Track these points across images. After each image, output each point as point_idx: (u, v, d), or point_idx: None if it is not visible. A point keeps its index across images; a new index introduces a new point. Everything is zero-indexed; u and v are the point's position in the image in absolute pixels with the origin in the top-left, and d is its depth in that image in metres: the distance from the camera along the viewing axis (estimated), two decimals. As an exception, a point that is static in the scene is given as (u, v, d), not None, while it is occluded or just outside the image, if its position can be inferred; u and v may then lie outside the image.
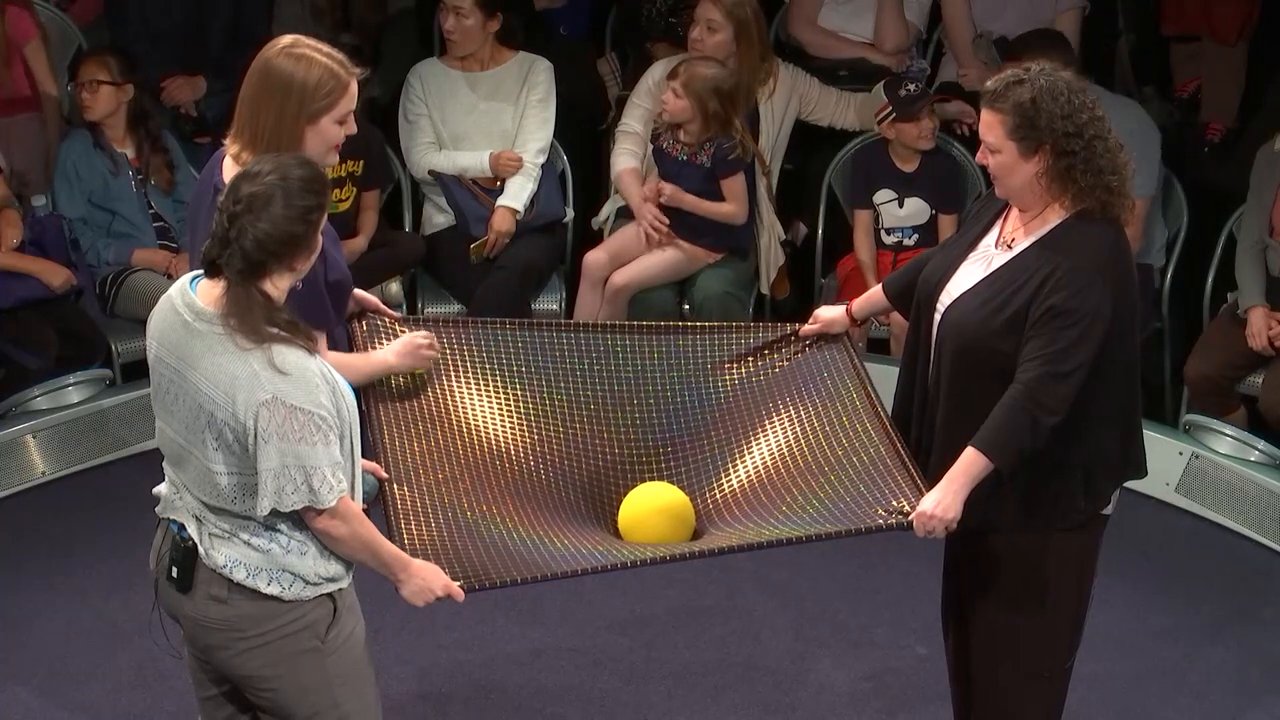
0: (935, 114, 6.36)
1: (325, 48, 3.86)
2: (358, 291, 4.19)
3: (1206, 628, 5.31)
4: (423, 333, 4.13)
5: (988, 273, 3.87)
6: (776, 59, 6.51)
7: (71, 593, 5.34)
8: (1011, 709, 4.09)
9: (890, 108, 6.29)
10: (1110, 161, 3.77)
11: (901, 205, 6.36)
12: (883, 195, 6.37)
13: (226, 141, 3.92)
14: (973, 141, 6.26)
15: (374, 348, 4.12)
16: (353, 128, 3.90)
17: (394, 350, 4.06)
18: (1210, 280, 6.22)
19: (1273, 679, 5.07)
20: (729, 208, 6.23)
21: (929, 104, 6.31)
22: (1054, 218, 3.82)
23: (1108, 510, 3.98)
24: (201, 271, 3.46)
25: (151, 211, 6.28)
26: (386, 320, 4.23)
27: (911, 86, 6.32)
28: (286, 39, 3.86)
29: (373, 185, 6.34)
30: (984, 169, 3.92)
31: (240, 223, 3.34)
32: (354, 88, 3.84)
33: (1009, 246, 3.87)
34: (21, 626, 5.19)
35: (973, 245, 3.97)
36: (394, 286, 6.41)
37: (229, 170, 3.84)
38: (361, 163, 6.23)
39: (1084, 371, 3.71)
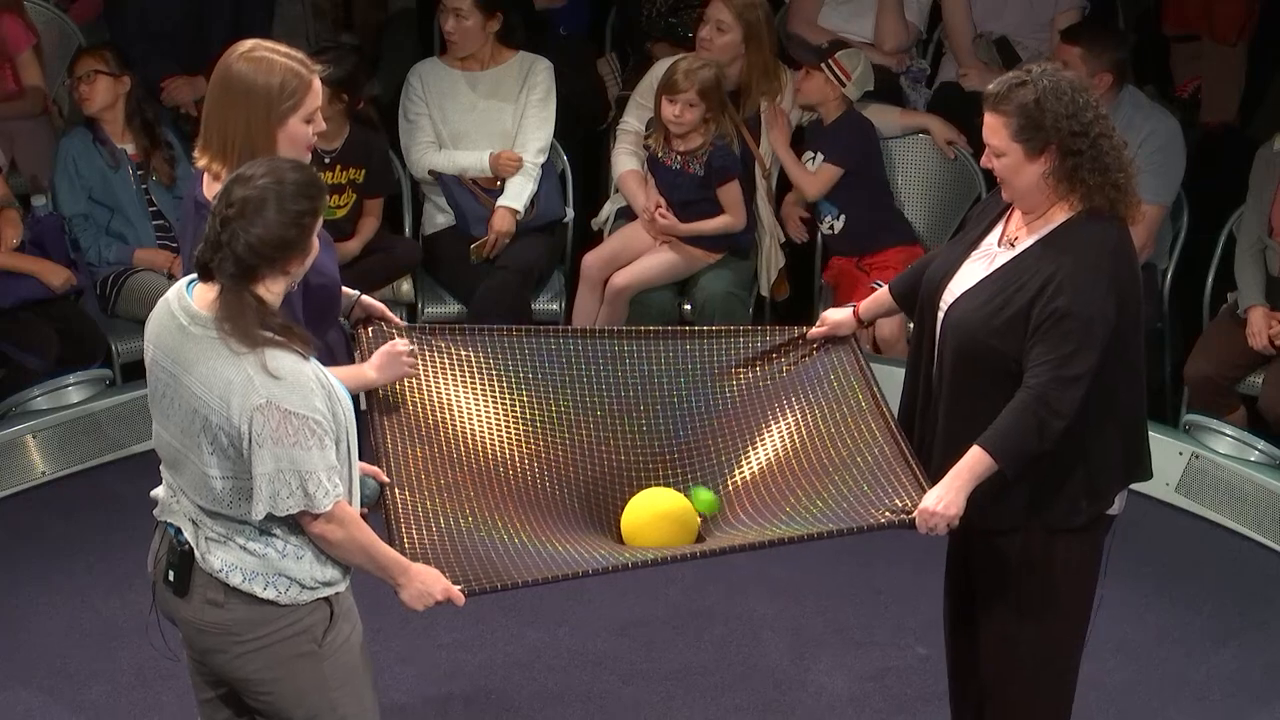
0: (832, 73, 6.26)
1: (284, 48, 3.83)
2: (365, 298, 4.18)
3: (1207, 628, 5.30)
4: (403, 340, 4.07)
5: (989, 271, 3.87)
6: (785, 68, 6.50)
7: (71, 593, 5.34)
8: (1023, 709, 4.09)
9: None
10: (1116, 159, 3.76)
11: (814, 161, 6.35)
12: (807, 155, 6.37)
13: (195, 154, 3.87)
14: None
15: None
16: (321, 125, 3.87)
17: (374, 365, 3.98)
18: (1210, 280, 6.22)
19: (1274, 679, 5.07)
20: (726, 219, 6.20)
21: (829, 57, 6.24)
22: (1059, 217, 3.81)
23: (1113, 511, 3.98)
24: (197, 275, 3.46)
25: (152, 209, 6.27)
26: (391, 327, 4.20)
27: (825, 43, 6.34)
28: (246, 44, 3.83)
29: (374, 194, 6.32)
30: (982, 168, 3.92)
31: (232, 227, 3.32)
32: (317, 85, 3.82)
33: (1011, 245, 3.87)
34: (21, 626, 5.19)
35: (975, 244, 3.97)
36: (405, 285, 6.41)
37: (206, 184, 3.81)
38: (363, 170, 6.22)
39: (1092, 374, 3.71)
